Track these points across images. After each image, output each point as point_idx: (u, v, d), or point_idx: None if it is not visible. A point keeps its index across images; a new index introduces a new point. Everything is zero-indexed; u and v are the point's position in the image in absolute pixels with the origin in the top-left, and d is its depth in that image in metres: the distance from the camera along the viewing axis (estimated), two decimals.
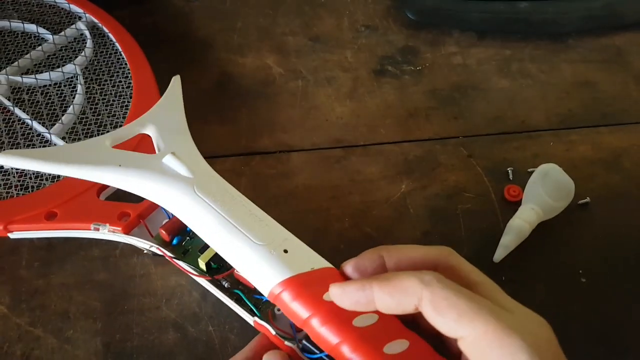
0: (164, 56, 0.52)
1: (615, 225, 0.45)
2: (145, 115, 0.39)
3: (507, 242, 0.42)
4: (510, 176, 0.48)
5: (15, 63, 0.45)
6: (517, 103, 0.53)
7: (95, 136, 0.40)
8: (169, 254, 0.36)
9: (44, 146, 0.41)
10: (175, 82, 0.42)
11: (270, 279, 0.29)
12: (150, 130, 0.38)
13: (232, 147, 0.48)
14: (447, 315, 0.25)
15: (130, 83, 0.44)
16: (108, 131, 0.41)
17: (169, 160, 0.34)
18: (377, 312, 0.27)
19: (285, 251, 0.30)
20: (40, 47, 0.46)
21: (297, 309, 0.28)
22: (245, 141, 0.49)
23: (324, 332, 0.27)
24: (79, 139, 0.41)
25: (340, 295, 0.27)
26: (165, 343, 0.38)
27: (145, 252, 0.39)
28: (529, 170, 0.47)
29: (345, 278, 0.30)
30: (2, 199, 0.39)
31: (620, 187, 0.48)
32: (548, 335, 0.26)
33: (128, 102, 0.43)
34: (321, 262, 0.30)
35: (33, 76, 0.44)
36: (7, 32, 0.47)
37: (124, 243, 0.39)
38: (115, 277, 0.40)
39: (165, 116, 0.39)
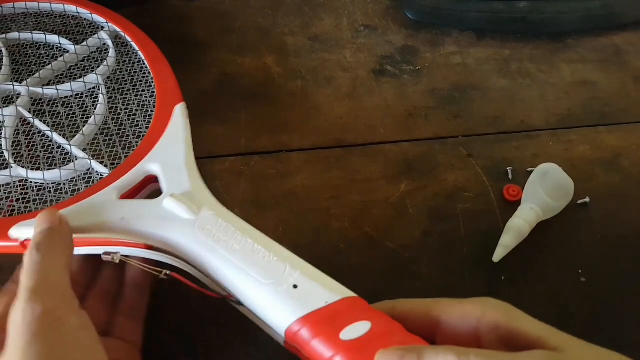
0: None
1: (614, 225, 0.45)
2: (149, 155, 0.38)
3: (507, 242, 0.42)
4: (510, 176, 0.48)
5: (37, 74, 0.44)
6: (516, 103, 0.53)
7: (117, 148, 0.40)
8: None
9: (64, 159, 0.40)
10: (179, 111, 0.41)
11: (280, 322, 0.28)
12: (155, 169, 0.37)
13: (231, 147, 0.48)
14: None
15: (153, 92, 0.43)
16: (130, 142, 0.40)
17: (168, 204, 0.33)
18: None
19: (295, 286, 0.29)
20: (62, 58, 0.45)
21: (316, 350, 0.27)
22: (245, 141, 0.49)
23: None
24: (100, 151, 0.40)
25: None
26: (165, 344, 0.38)
27: (161, 276, 0.33)
28: (528, 169, 0.47)
29: (368, 311, 0.28)
30: (20, 213, 0.37)
31: (620, 186, 0.48)
32: None
33: (152, 111, 0.42)
34: (337, 293, 0.28)
35: (54, 87, 0.43)
36: (28, 44, 0.47)
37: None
38: None
39: (170, 151, 0.38)
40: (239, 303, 0.31)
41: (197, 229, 0.32)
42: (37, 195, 0.37)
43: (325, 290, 0.28)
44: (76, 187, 0.38)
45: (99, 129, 0.42)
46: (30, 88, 0.43)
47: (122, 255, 0.32)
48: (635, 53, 0.58)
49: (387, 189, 0.47)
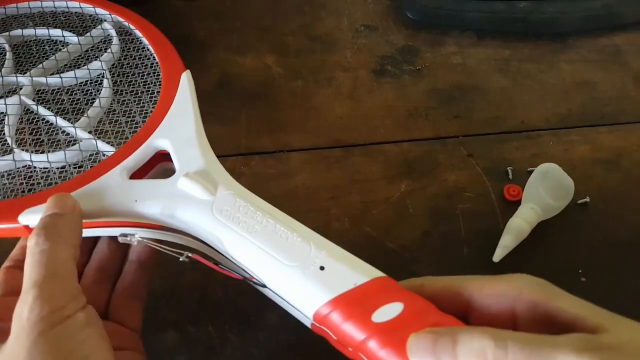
0: None
1: (615, 225, 0.45)
2: (158, 129, 0.36)
3: (507, 242, 0.42)
4: (510, 176, 0.48)
5: (40, 65, 0.43)
6: (516, 103, 0.53)
7: (123, 127, 0.37)
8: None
9: (69, 142, 0.37)
10: (186, 79, 0.39)
11: (308, 305, 0.27)
12: (166, 145, 0.35)
13: (232, 147, 0.48)
14: None
15: (159, 73, 0.41)
16: (137, 121, 0.38)
17: (183, 184, 0.31)
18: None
19: (322, 268, 0.27)
20: (65, 49, 0.45)
21: (347, 333, 0.25)
22: (245, 141, 0.49)
23: (385, 355, 0.25)
24: (107, 131, 0.38)
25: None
26: (164, 343, 0.38)
27: (182, 258, 0.32)
28: (528, 169, 0.47)
29: (399, 291, 0.26)
30: (24, 195, 0.35)
31: (620, 186, 0.48)
32: None
33: (158, 90, 0.40)
34: (366, 273, 0.27)
35: (58, 75, 0.42)
36: (32, 42, 0.47)
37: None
38: None
39: (179, 124, 0.36)
40: (263, 285, 0.29)
41: (216, 211, 0.30)
42: (43, 178, 0.36)
43: (353, 271, 0.27)
44: (82, 169, 0.36)
45: (105, 112, 0.40)
46: (34, 78, 0.42)
47: (139, 237, 0.31)
48: (636, 53, 0.58)
49: (387, 189, 0.47)
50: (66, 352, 0.24)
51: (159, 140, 0.35)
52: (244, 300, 0.40)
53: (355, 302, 0.26)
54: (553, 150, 0.50)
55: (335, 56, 0.56)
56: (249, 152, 0.48)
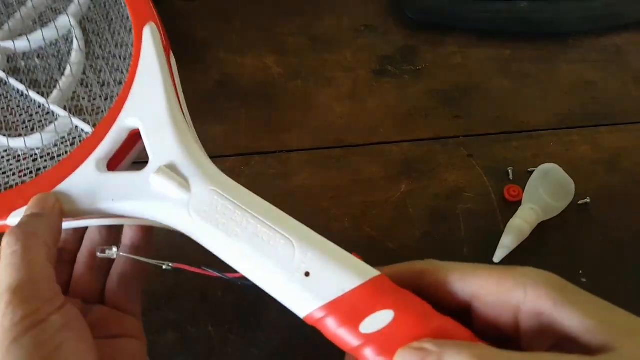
0: None
1: (615, 225, 0.45)
2: (126, 106, 0.30)
3: (507, 243, 0.42)
4: (511, 176, 0.48)
5: (5, 26, 0.38)
6: (517, 103, 0.53)
7: (98, 100, 0.31)
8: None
9: (46, 120, 0.32)
10: (149, 34, 0.31)
11: (297, 310, 0.25)
12: (137, 125, 0.30)
13: (231, 147, 0.48)
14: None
15: (131, 27, 0.34)
16: (113, 91, 0.32)
17: (155, 182, 0.28)
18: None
19: (307, 274, 0.25)
20: (29, 2, 0.39)
21: (342, 339, 0.24)
22: (245, 141, 0.49)
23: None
24: (82, 107, 0.32)
25: None
26: (164, 343, 0.38)
27: (164, 267, 0.30)
28: (529, 170, 0.47)
29: (391, 295, 0.25)
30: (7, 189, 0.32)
31: (620, 186, 0.48)
32: None
33: (131, 48, 0.33)
34: (354, 276, 0.25)
35: (25, 38, 0.37)
36: None
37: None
38: None
39: (146, 97, 0.30)
40: (253, 285, 0.27)
41: (193, 212, 0.27)
42: (19, 165, 0.32)
43: (341, 276, 0.25)
44: (61, 152, 0.32)
45: (78, 81, 0.34)
46: (1, 44, 0.37)
47: (116, 251, 0.29)
48: (636, 53, 0.58)
49: (388, 189, 0.46)
50: (41, 358, 0.24)
51: (129, 119, 0.30)
52: (244, 300, 0.40)
53: (343, 311, 0.24)
54: (553, 151, 0.50)
55: (335, 56, 0.56)
56: (248, 152, 0.48)
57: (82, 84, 0.34)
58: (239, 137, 0.49)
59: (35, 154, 0.32)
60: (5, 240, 0.26)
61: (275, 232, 0.26)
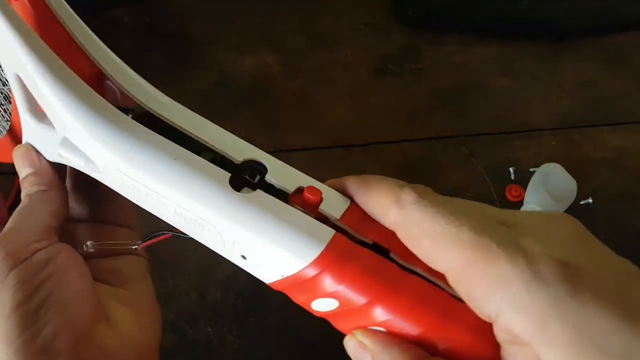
0: (162, 55, 0.52)
1: (618, 225, 0.45)
2: None
3: None
4: (512, 176, 0.47)
5: None
6: (518, 102, 0.53)
7: None
8: None
9: None
10: None
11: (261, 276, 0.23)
12: (16, 71, 0.24)
13: None
14: (421, 245, 0.19)
15: None
16: None
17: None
18: None
19: (244, 257, 0.22)
20: None
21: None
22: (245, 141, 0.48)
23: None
24: None
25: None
26: (163, 344, 0.37)
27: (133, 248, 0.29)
28: (530, 169, 0.47)
29: (336, 278, 0.20)
30: None
31: (623, 186, 0.47)
32: (568, 232, 0.20)
33: None
34: (293, 258, 0.20)
35: None
36: None
37: None
38: None
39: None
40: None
41: (61, 148, 0.24)
42: None
43: (279, 256, 0.21)
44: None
45: None
46: None
47: (90, 243, 0.28)
48: (638, 53, 0.58)
49: None
50: (26, 294, 0.24)
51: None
52: (243, 301, 0.39)
53: (292, 287, 0.21)
54: (555, 150, 0.50)
55: (335, 55, 0.56)
56: None
57: None
58: (238, 136, 0.49)
59: None
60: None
61: (186, 207, 0.22)
